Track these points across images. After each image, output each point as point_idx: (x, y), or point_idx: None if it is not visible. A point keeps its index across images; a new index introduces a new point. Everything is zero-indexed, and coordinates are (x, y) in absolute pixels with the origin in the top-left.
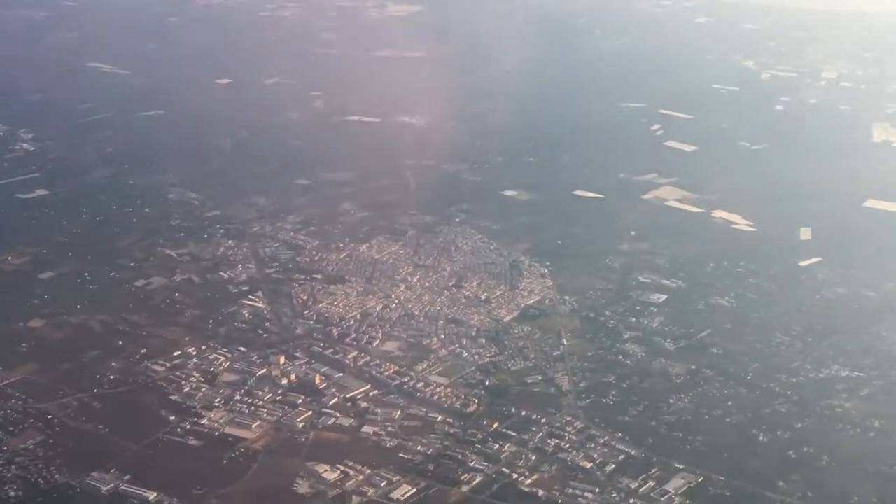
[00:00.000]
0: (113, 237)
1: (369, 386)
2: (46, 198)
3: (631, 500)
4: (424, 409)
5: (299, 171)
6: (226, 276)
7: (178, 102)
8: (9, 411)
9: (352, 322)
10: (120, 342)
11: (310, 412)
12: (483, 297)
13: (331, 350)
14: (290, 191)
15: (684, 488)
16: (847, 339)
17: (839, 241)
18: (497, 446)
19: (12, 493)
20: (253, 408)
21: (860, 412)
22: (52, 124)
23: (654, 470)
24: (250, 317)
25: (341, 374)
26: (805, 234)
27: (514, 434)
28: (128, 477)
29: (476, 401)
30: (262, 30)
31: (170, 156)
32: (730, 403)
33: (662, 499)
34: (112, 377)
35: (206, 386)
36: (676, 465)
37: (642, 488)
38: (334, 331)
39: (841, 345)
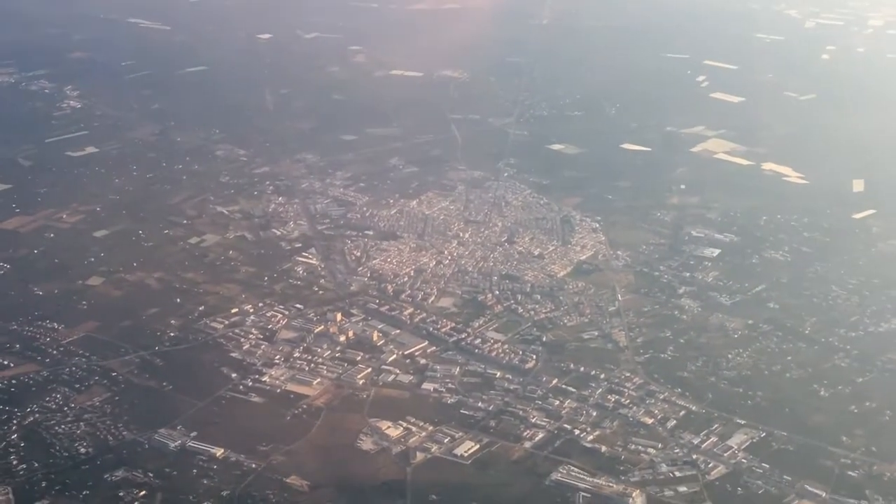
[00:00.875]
0: (164, 194)
1: (427, 342)
2: (96, 155)
3: (694, 456)
4: (483, 366)
5: (345, 126)
6: (278, 232)
7: (220, 58)
8: (73, 368)
9: (406, 278)
10: (178, 299)
11: (369, 369)
12: (536, 253)
13: (386, 307)
14: (337, 146)
15: (747, 443)
16: None
17: (893, 193)
18: (557, 402)
19: (83, 450)
20: (313, 365)
21: None
22: (97, 81)
23: (716, 425)
24: (305, 273)
25: (398, 331)
26: (858, 185)
27: (573, 390)
28: (194, 433)
29: (534, 357)
30: None
31: (215, 112)
32: (789, 358)
33: (725, 454)
34: (172, 334)
35: (266, 343)
36: (738, 421)
37: (705, 444)
38: (389, 287)
39: None
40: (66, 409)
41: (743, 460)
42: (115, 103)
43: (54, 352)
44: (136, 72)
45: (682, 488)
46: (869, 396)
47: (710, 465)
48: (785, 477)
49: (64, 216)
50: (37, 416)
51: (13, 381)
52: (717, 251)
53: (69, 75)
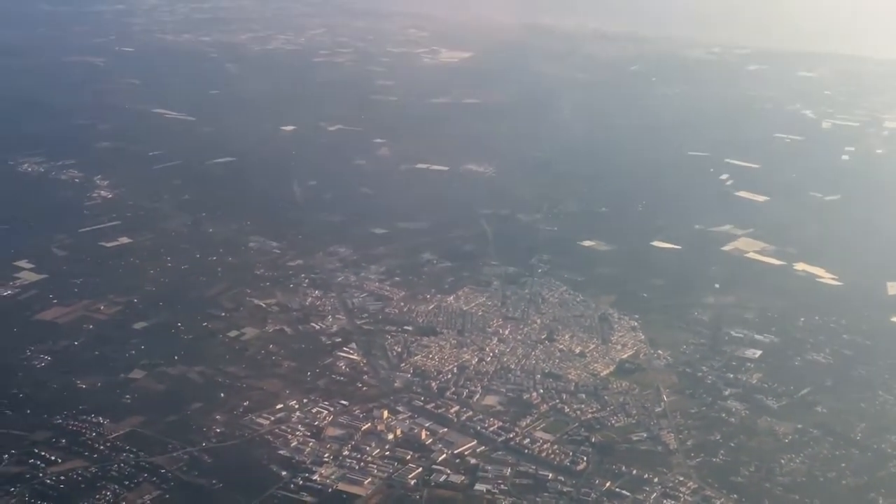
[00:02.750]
0: (200, 286)
1: (475, 442)
2: (130, 246)
3: None
4: (534, 467)
5: (375, 219)
6: (317, 326)
7: (247, 149)
8: (122, 465)
9: (449, 375)
10: (221, 394)
11: (420, 468)
12: (577, 351)
13: (432, 404)
14: (369, 240)
15: None
16: None
17: None
18: None
19: None
20: (363, 463)
21: None
22: (126, 171)
23: None
24: (347, 369)
25: (446, 429)
26: (892, 288)
27: (628, 494)
28: None
29: (584, 458)
30: (318, 76)
31: (245, 203)
32: (843, 465)
33: None
34: (218, 430)
35: (313, 440)
36: None
37: None
38: (433, 384)
39: None
40: None
41: None
42: (145, 193)
43: (101, 447)
44: (164, 162)
45: None
46: None
47: None
48: None
49: (101, 307)
50: None
51: (62, 478)
52: (758, 352)
53: (98, 165)
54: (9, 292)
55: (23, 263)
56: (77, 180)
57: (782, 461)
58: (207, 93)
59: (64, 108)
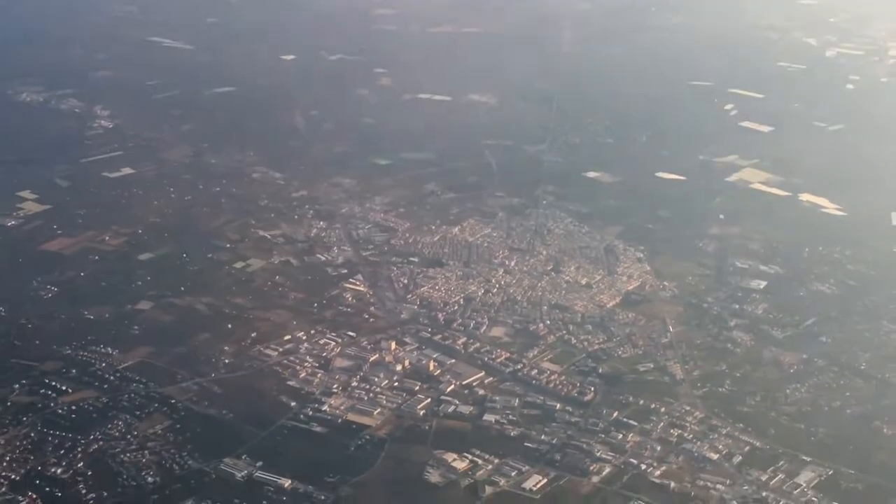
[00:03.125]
0: (204, 217)
1: (483, 373)
2: (133, 176)
3: (763, 493)
4: (542, 397)
5: (378, 150)
6: (323, 258)
7: (247, 79)
8: (132, 395)
9: (456, 307)
10: (229, 325)
11: (429, 399)
12: (583, 282)
13: (439, 335)
14: (372, 171)
15: (816, 481)
16: None
17: None
18: (621, 436)
19: (150, 479)
20: (371, 394)
21: None
22: (125, 101)
23: (782, 462)
24: (354, 300)
25: (453, 361)
26: None
27: (635, 423)
28: (260, 463)
29: (592, 389)
30: (316, 4)
31: (246, 134)
32: (847, 394)
33: (795, 492)
34: (227, 361)
35: (321, 371)
36: (804, 458)
37: (773, 481)
38: (440, 315)
39: None
40: (129, 436)
41: (814, 499)
42: (146, 124)
43: (111, 377)
44: (163, 92)
45: None
46: None
47: (779, 503)
48: None
49: (106, 238)
50: (101, 443)
51: (73, 408)
52: (763, 283)
53: (97, 94)
54: (13, 223)
55: (26, 194)
56: (77, 110)
57: (787, 391)
58: (204, 21)
59: (59, 37)
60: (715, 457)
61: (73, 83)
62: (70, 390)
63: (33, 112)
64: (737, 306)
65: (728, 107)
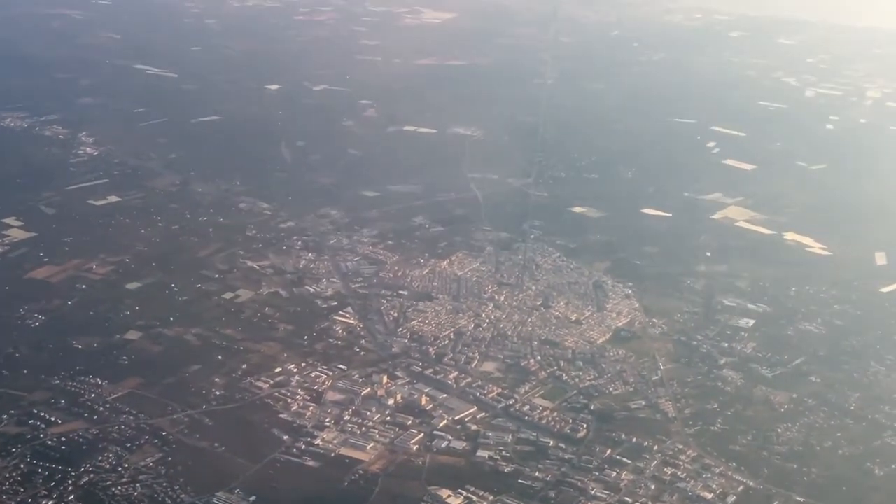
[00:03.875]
0: (192, 247)
1: (475, 408)
2: (119, 205)
3: None
4: (535, 434)
5: (365, 181)
6: (312, 290)
7: (232, 108)
8: (122, 426)
9: (446, 341)
10: (219, 357)
11: (421, 434)
12: (573, 318)
13: (430, 370)
14: (360, 202)
15: None
16: None
17: None
18: (614, 474)
19: None
20: (364, 429)
21: None
22: (111, 128)
23: (776, 502)
24: (344, 333)
25: (445, 395)
26: (880, 258)
27: (628, 461)
28: (253, 498)
29: (584, 426)
30: (299, 34)
31: (233, 163)
32: (839, 435)
33: None
34: (217, 393)
35: (313, 405)
36: (797, 498)
37: None
38: (431, 350)
39: None
40: (119, 469)
41: None
42: (131, 151)
43: (101, 409)
44: (148, 119)
45: None
46: None
47: None
48: None
49: (94, 267)
50: (92, 476)
51: (63, 439)
52: (751, 321)
53: (82, 121)
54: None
55: (11, 221)
56: (62, 136)
57: (779, 430)
58: (189, 49)
59: (43, 62)
60: (709, 496)
61: (58, 109)
62: (59, 421)
63: (17, 138)
64: (726, 344)
65: (711, 144)
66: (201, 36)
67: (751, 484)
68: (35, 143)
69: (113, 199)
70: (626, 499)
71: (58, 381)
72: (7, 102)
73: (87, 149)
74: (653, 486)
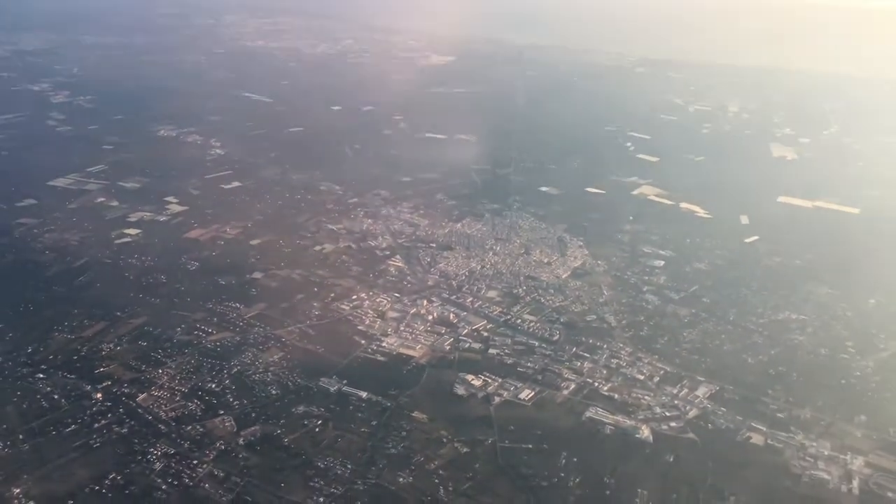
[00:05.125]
0: (291, 216)
1: (486, 321)
2: (241, 188)
3: (675, 402)
4: (525, 338)
5: (402, 171)
6: (372, 244)
7: (310, 122)
8: (255, 335)
9: (463, 277)
10: (315, 289)
11: (451, 339)
12: (545, 261)
13: (454, 296)
14: (399, 185)
15: (708, 394)
16: (789, 293)
17: (768, 225)
18: (579, 364)
19: (273, 391)
20: (414, 335)
21: (810, 343)
22: (231, 136)
23: (685, 381)
24: (396, 272)
25: (465, 313)
26: (744, 219)
27: (587, 355)
28: (345, 381)
29: (558, 332)
30: (351, 72)
31: (314, 159)
32: (724, 336)
33: (695, 401)
34: (316, 313)
35: (379, 320)
36: (699, 378)
37: (680, 393)
38: (453, 282)
39: (786, 296)
40: (256, 363)
41: (708, 405)
42: (246, 152)
43: (241, 323)
44: (255, 130)
45: (672, 423)
46: (780, 363)
47: (687, 408)
48: (737, 417)
49: (227, 230)
50: (238, 368)
51: (217, 344)
52: (662, 262)
53: (211, 132)
54: (164, 218)
55: (170, 199)
56: (199, 142)
57: (684, 334)
58: (279, 82)
59: (182, 92)
60: (641, 377)
61: (194, 123)
62: (214, 332)
63: (169, 144)
64: (646, 277)
65: (628, 144)
66: (287, 73)
67: (668, 369)
68: (181, 147)
69: (236, 184)
70: (588, 380)
71: (210, 306)
72: (161, 120)
73: (217, 150)
74: (605, 371)
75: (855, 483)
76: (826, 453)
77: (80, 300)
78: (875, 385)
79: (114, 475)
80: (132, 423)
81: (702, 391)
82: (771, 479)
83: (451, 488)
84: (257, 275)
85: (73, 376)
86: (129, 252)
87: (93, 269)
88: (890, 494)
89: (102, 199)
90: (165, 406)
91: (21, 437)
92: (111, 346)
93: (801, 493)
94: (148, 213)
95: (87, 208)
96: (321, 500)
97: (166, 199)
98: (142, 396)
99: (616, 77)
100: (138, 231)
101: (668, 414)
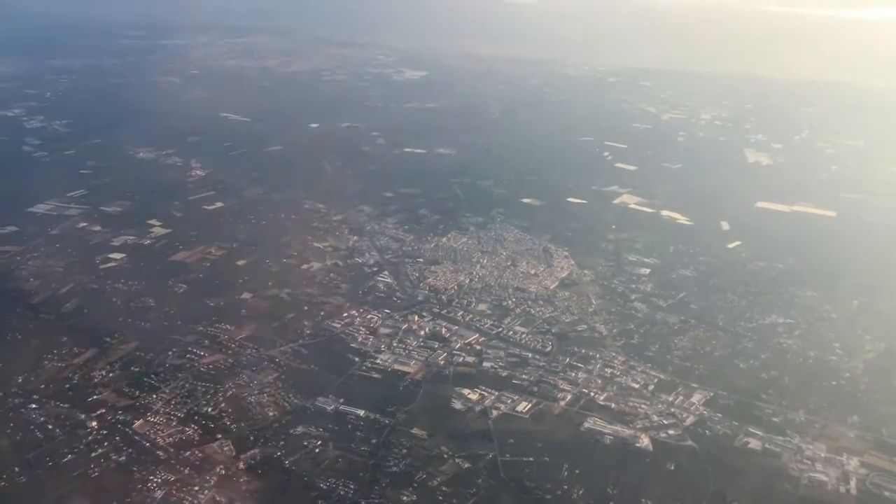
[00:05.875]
0: (277, 235)
1: (478, 335)
2: (223, 208)
3: (671, 409)
4: (518, 350)
5: (383, 187)
6: (359, 260)
7: (289, 141)
8: (249, 356)
9: (452, 291)
10: (305, 307)
11: (445, 353)
12: (532, 273)
13: (444, 310)
14: (382, 201)
15: (703, 400)
16: (774, 297)
17: (748, 230)
18: (573, 374)
19: (271, 413)
20: (407, 351)
21: (799, 346)
22: (211, 157)
23: (680, 388)
24: (385, 288)
25: (457, 327)
26: (725, 225)
27: (581, 366)
28: (342, 400)
29: (550, 343)
30: (326, 89)
31: (296, 178)
32: (714, 342)
33: (691, 408)
34: (308, 332)
35: (372, 337)
36: (693, 385)
37: (676, 401)
38: (443, 297)
39: (772, 301)
40: (251, 385)
41: (704, 412)
42: (227, 172)
43: (232, 345)
44: (235, 150)
45: (670, 431)
46: (771, 367)
47: (684, 416)
48: (733, 422)
49: (212, 251)
50: (234, 390)
51: (210, 366)
52: (648, 270)
53: (191, 152)
54: (148, 241)
55: (153, 222)
56: (179, 164)
57: (675, 341)
58: (256, 102)
59: (158, 113)
60: (636, 386)
61: (173, 145)
62: (206, 354)
63: (148, 166)
64: (633, 286)
65: (606, 154)
66: (263, 92)
67: (662, 377)
68: (161, 169)
69: (219, 205)
70: (584, 390)
71: (201, 328)
72: (139, 142)
73: (198, 171)
74: (599, 381)
75: (853, 483)
76: (822, 455)
77: (68, 327)
78: (864, 386)
79: None
80: (130, 450)
81: (697, 398)
82: (771, 483)
83: None
84: (246, 295)
85: (66, 405)
86: (115, 277)
87: (79, 295)
88: (887, 494)
89: (84, 225)
90: (162, 432)
91: (17, 469)
92: (103, 373)
93: (801, 495)
94: (132, 237)
95: (70, 234)
96: None
97: (149, 221)
98: (138, 423)
99: (587, 88)
100: (123, 255)
101: (665, 422)
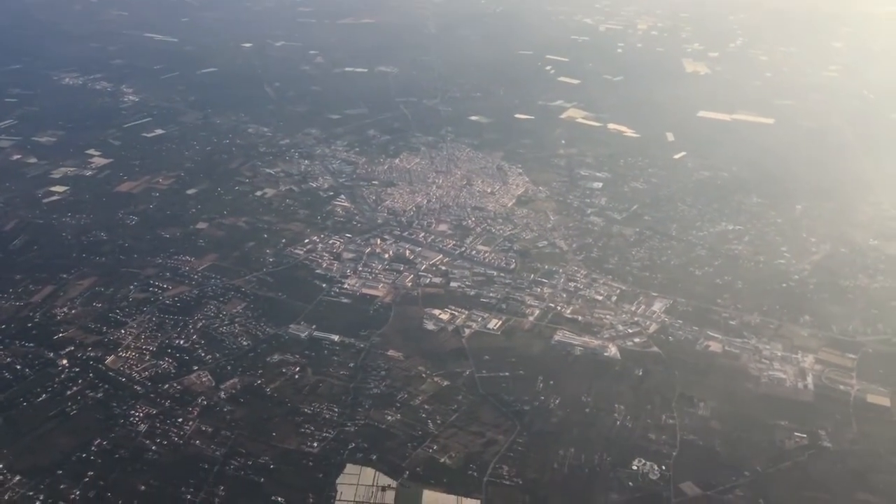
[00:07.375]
0: (224, 162)
1: (441, 255)
2: (164, 135)
3: (635, 318)
4: (483, 268)
5: (328, 108)
6: (314, 185)
7: (223, 62)
8: (214, 287)
9: (411, 213)
10: (265, 235)
11: (411, 275)
12: (489, 191)
13: (406, 232)
14: (328, 123)
15: (664, 308)
16: (722, 204)
17: (692, 140)
18: (539, 290)
19: (244, 342)
20: (374, 275)
21: (749, 252)
22: (142, 81)
23: (641, 298)
24: (343, 213)
25: (420, 248)
26: (670, 136)
27: (546, 281)
28: (314, 326)
29: (513, 260)
30: (256, 5)
31: (236, 101)
32: (669, 252)
33: (653, 316)
34: (271, 260)
35: (336, 262)
36: (653, 294)
37: (638, 310)
38: (403, 219)
39: (720, 209)
40: (220, 315)
41: (665, 319)
42: (162, 97)
43: (195, 276)
44: (167, 73)
45: (636, 339)
46: (724, 273)
47: (647, 324)
48: (694, 327)
49: (160, 180)
50: (203, 321)
51: (176, 299)
52: (600, 184)
53: (120, 77)
54: (90, 173)
55: (92, 152)
56: (109, 89)
57: (632, 252)
58: (179, 20)
59: (78, 35)
60: (600, 298)
61: (99, 69)
62: (170, 287)
63: (77, 92)
64: (588, 200)
65: (548, 67)
66: (184, 9)
67: (623, 288)
68: (91, 95)
69: (159, 131)
70: (550, 304)
71: (160, 260)
72: (63, 66)
73: (130, 97)
74: (565, 295)
75: (809, 379)
76: (779, 354)
77: (19, 264)
78: (813, 286)
79: (99, 441)
80: (106, 386)
81: (657, 306)
82: (733, 383)
83: (439, 421)
84: (202, 225)
85: (31, 344)
86: (60, 210)
87: (26, 230)
88: (842, 387)
89: (19, 157)
90: (137, 366)
91: None
92: (65, 310)
93: (762, 392)
94: (72, 169)
95: (5, 167)
96: (315, 444)
97: (87, 151)
98: (110, 359)
99: (523, 0)
100: (65, 188)
101: (630, 331)
